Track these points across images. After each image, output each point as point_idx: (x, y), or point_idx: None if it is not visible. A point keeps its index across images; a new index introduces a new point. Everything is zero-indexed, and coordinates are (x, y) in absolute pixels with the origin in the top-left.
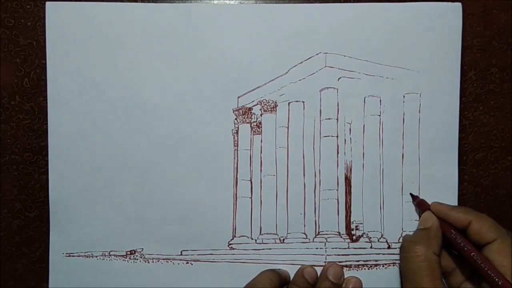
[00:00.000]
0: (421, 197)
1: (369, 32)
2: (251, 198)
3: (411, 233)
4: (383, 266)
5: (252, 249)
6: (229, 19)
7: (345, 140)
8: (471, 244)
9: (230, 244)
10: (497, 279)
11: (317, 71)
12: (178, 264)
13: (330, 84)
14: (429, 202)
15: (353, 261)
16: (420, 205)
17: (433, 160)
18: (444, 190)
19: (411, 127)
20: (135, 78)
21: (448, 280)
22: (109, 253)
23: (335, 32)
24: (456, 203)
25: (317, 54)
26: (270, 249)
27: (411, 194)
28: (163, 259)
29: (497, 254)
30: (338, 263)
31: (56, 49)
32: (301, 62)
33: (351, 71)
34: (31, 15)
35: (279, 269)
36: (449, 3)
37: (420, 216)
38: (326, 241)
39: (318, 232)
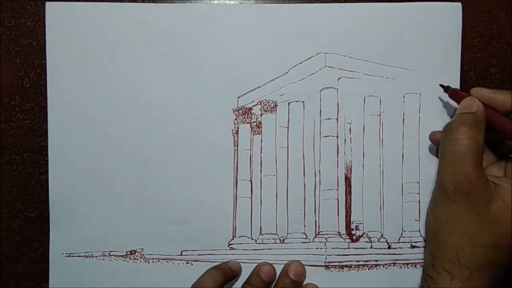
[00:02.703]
0: (421, 197)
1: (369, 32)
2: (251, 198)
3: (412, 233)
4: (383, 266)
5: (252, 249)
6: (229, 19)
7: (345, 140)
8: None
9: (230, 244)
10: None
11: (317, 71)
12: (178, 264)
13: (330, 84)
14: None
15: (353, 261)
16: (456, 95)
17: (433, 160)
18: None
19: (411, 127)
20: (135, 78)
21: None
22: (109, 253)
23: (335, 32)
24: None
25: (317, 54)
26: (270, 249)
27: (441, 85)
28: (163, 259)
29: None
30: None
31: (56, 49)
32: (301, 62)
33: (351, 71)
34: (31, 15)
35: (227, 261)
36: (449, 3)
37: (457, 104)
38: (326, 241)
39: (318, 232)
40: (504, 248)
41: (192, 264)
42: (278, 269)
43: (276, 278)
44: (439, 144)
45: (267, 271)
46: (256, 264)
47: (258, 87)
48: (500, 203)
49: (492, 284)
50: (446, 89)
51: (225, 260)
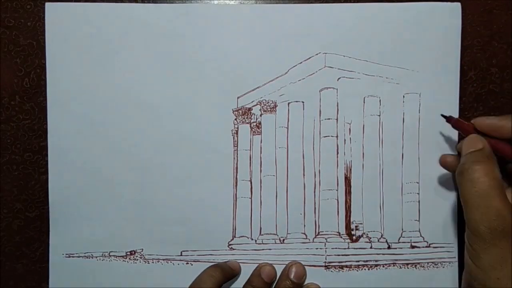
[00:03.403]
0: (421, 197)
1: (368, 32)
2: (251, 198)
3: (412, 233)
4: (383, 266)
5: (252, 250)
6: (229, 19)
7: (344, 140)
8: None
9: (230, 245)
10: None
11: (316, 71)
12: (178, 264)
13: (329, 84)
14: (428, 202)
15: (353, 261)
16: (459, 125)
17: (433, 160)
18: (444, 190)
19: (411, 127)
20: (135, 78)
21: None
22: (109, 253)
23: (334, 32)
24: (456, 203)
25: (317, 54)
26: (270, 249)
27: (442, 115)
28: (163, 259)
29: None
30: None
31: (56, 49)
32: (301, 62)
33: (351, 71)
34: (31, 15)
35: (227, 261)
36: (449, 3)
37: (459, 138)
38: (326, 241)
39: (318, 232)
40: None
41: (192, 265)
42: (278, 269)
43: (277, 279)
44: (450, 168)
45: (268, 271)
46: (257, 265)
47: (257, 87)
48: None
49: None
50: (449, 119)
51: (225, 261)
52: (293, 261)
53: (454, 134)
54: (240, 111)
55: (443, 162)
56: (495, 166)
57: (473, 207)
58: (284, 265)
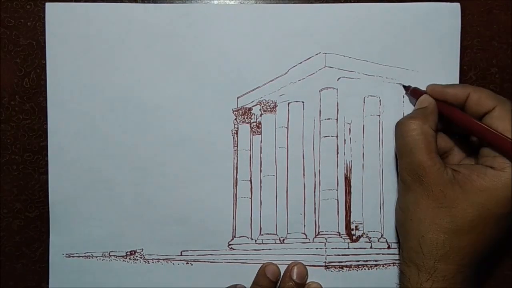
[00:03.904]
0: None
1: (368, 32)
2: (251, 198)
3: None
4: (383, 266)
5: (252, 250)
6: (229, 19)
7: (344, 140)
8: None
9: (230, 245)
10: (504, 137)
11: (316, 71)
12: (178, 264)
13: (329, 84)
14: None
15: (353, 261)
16: (415, 93)
17: None
18: None
19: None
20: (135, 78)
21: (447, 159)
22: (109, 253)
23: (334, 32)
24: None
25: (317, 54)
26: (270, 249)
27: (402, 85)
28: (163, 259)
29: (497, 120)
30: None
31: (56, 49)
32: (301, 62)
33: (351, 71)
34: (31, 15)
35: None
36: (448, 3)
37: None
38: (326, 241)
39: (318, 232)
40: (464, 234)
41: (192, 265)
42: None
43: (280, 281)
44: None
45: (272, 270)
46: (260, 265)
47: (257, 87)
48: (457, 189)
49: (463, 275)
50: (407, 89)
51: (226, 261)
52: (294, 262)
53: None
54: (240, 111)
55: None
56: (427, 123)
57: (402, 156)
58: (285, 265)
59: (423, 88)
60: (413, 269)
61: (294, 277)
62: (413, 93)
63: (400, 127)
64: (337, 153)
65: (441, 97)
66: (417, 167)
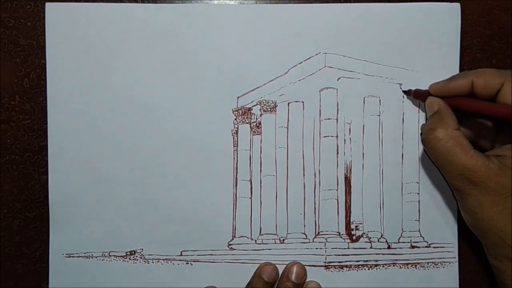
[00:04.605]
0: (421, 196)
1: (368, 32)
2: (251, 198)
3: (412, 233)
4: (383, 266)
5: (252, 250)
6: (229, 19)
7: (344, 140)
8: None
9: (230, 245)
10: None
11: (316, 71)
12: (178, 264)
13: (329, 84)
14: (428, 202)
15: (353, 261)
16: (418, 94)
17: None
18: (444, 190)
19: (411, 127)
20: (135, 78)
21: (479, 145)
22: (109, 253)
23: (334, 32)
24: (456, 203)
25: (317, 54)
26: (270, 249)
27: (403, 90)
28: (163, 259)
29: (509, 95)
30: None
31: (56, 49)
32: (301, 62)
33: (351, 71)
34: (31, 15)
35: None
36: (448, 3)
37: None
38: (326, 241)
39: (318, 232)
40: None
41: (192, 265)
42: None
43: (277, 281)
44: None
45: (269, 272)
46: (258, 265)
47: (257, 87)
48: (510, 172)
49: None
50: (408, 92)
51: (226, 261)
52: (292, 262)
53: None
54: (240, 111)
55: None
56: (448, 127)
57: (442, 168)
58: (284, 265)
59: (424, 88)
60: (507, 262)
61: (292, 277)
62: (416, 95)
63: (427, 143)
64: (337, 153)
65: (446, 94)
66: (462, 171)
